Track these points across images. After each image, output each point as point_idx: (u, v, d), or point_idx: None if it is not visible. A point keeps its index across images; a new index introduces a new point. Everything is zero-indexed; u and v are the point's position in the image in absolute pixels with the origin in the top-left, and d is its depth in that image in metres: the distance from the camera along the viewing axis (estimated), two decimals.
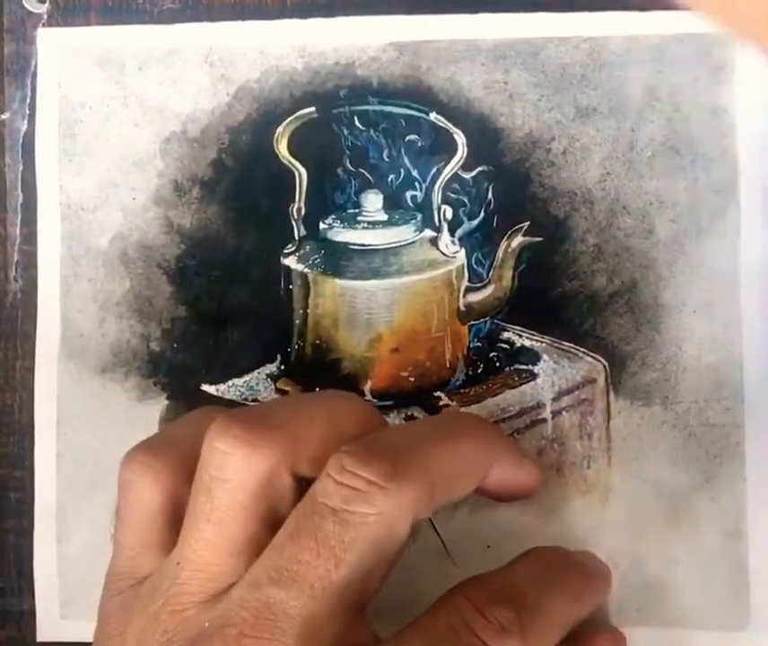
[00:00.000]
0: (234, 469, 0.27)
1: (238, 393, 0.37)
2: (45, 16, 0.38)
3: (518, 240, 0.36)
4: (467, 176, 0.36)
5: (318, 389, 0.36)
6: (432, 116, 0.36)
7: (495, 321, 0.37)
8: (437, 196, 0.36)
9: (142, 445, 0.31)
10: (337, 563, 0.26)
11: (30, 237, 0.38)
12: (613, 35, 0.36)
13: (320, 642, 0.25)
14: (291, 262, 0.37)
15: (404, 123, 0.37)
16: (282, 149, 0.37)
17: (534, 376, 0.36)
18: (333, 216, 0.37)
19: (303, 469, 0.28)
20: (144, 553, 0.30)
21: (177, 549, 0.28)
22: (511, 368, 0.37)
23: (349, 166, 0.37)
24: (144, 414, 0.37)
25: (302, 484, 0.28)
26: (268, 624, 0.25)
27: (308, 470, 0.28)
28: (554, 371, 0.36)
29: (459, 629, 0.27)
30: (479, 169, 0.36)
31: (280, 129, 0.37)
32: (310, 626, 0.25)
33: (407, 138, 0.37)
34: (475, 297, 0.37)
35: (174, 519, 0.29)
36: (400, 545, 0.27)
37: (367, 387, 0.36)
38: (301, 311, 0.36)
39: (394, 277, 0.36)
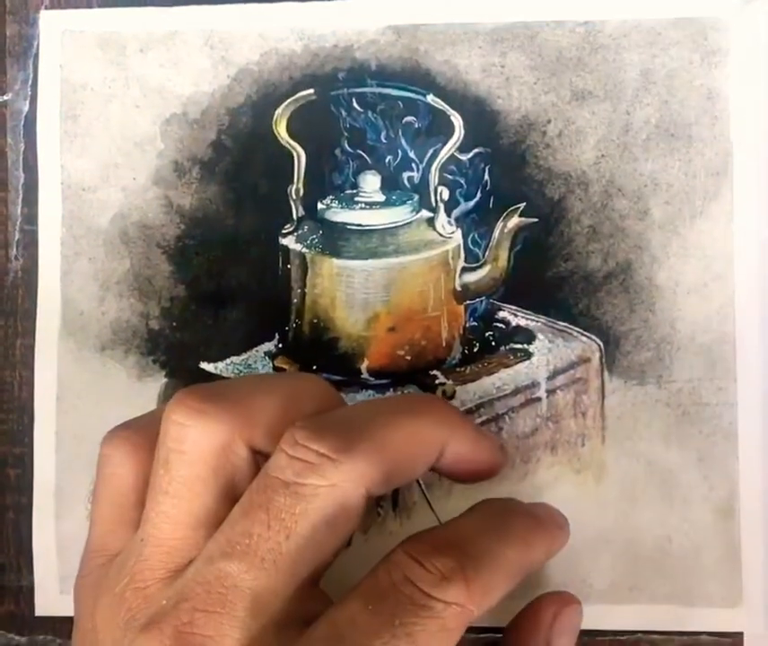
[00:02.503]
0: (190, 441, 0.27)
1: (236, 371, 0.37)
2: None
3: (514, 221, 0.36)
4: (464, 157, 0.37)
5: (315, 368, 0.37)
6: (430, 98, 0.37)
7: (491, 301, 0.37)
8: (434, 178, 0.37)
9: (123, 424, 0.31)
10: (288, 534, 0.26)
11: (31, 216, 0.38)
12: (609, 19, 0.36)
13: (271, 615, 0.25)
14: (289, 242, 0.37)
15: (401, 105, 0.37)
16: (281, 130, 0.37)
17: (529, 355, 0.36)
18: (331, 197, 0.37)
19: (260, 444, 0.28)
20: (116, 530, 0.30)
21: (141, 525, 0.28)
22: (507, 347, 0.37)
23: (347, 147, 0.37)
24: (144, 392, 0.37)
25: (262, 460, 0.28)
26: (220, 598, 0.25)
27: (265, 445, 0.28)
28: (549, 351, 0.36)
29: (399, 583, 0.26)
30: (476, 150, 0.37)
31: (279, 111, 0.37)
32: (261, 599, 0.25)
33: (405, 120, 0.37)
34: (471, 277, 0.37)
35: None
36: (354, 518, 0.27)
37: (364, 365, 0.37)
38: (298, 291, 0.37)
39: (391, 257, 0.36)
